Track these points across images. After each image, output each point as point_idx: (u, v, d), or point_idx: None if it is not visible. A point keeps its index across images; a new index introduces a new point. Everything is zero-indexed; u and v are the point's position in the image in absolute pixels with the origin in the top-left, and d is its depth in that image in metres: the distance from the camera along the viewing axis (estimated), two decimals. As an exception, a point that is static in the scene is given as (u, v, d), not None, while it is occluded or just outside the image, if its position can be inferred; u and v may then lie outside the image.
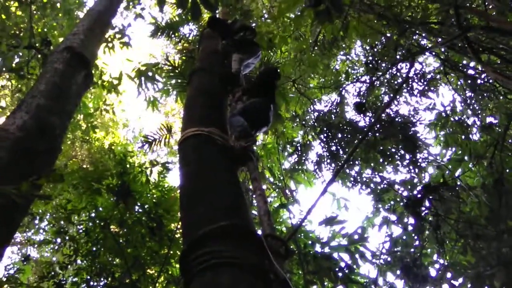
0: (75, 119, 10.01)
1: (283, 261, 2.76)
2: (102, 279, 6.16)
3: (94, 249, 6.24)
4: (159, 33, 9.32)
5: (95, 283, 6.20)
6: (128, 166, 6.32)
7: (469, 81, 7.80)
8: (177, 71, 7.90)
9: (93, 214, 6.22)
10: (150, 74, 8.38)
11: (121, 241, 6.13)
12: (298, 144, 9.08)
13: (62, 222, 6.44)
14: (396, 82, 8.47)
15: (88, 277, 6.09)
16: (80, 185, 6.23)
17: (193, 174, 3.37)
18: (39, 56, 7.60)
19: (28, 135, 3.07)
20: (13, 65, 7.58)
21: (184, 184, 3.39)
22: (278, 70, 5.26)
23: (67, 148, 11.90)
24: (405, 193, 6.99)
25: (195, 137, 3.68)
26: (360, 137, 7.06)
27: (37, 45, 7.74)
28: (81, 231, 6.41)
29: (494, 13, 5.50)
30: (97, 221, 6.20)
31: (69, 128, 10.11)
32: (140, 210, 6.26)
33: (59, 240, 6.67)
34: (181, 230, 5.63)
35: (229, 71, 4.98)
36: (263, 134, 9.39)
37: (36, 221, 9.22)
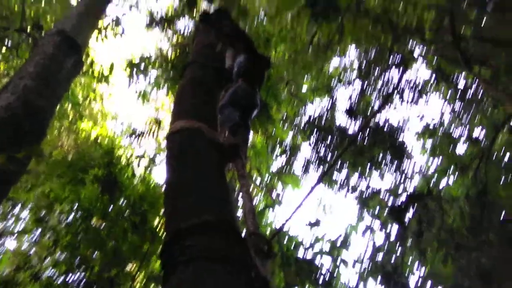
0: (63, 107, 9.84)
1: (265, 260, 2.73)
2: (80, 272, 6.05)
3: (75, 241, 6.12)
4: (154, 25, 9.23)
5: (73, 277, 6.09)
6: (115, 157, 6.23)
7: (459, 93, 7.89)
8: (170, 64, 7.83)
9: (76, 205, 6.10)
10: (142, 66, 8.28)
11: (102, 234, 6.03)
12: (287, 146, 9.07)
13: (43, 211, 6.30)
14: (387, 89, 8.53)
15: (66, 270, 5.98)
16: (65, 175, 6.10)
17: (179, 168, 3.32)
18: (30, 40, 7.46)
19: (12, 116, 2.98)
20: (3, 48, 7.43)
21: (170, 177, 3.34)
22: (269, 59, 5.20)
23: (53, 137, 11.67)
24: (390, 200, 7.03)
25: (184, 130, 3.62)
26: (349, 141, 7.08)
27: (28, 28, 7.59)
28: (62, 221, 6.28)
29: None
30: (80, 212, 6.09)
31: (56, 116, 9.94)
32: (124, 203, 6.17)
33: (39, 230, 6.53)
34: (164, 225, 5.56)
35: (223, 66, 4.93)
36: (252, 134, 9.36)
37: (16, 210, 9.03)
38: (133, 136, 6.48)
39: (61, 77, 3.89)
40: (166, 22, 9.22)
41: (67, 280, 5.94)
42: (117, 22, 9.45)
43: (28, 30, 7.63)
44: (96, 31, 9.19)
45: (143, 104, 9.41)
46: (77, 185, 5.95)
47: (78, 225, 5.98)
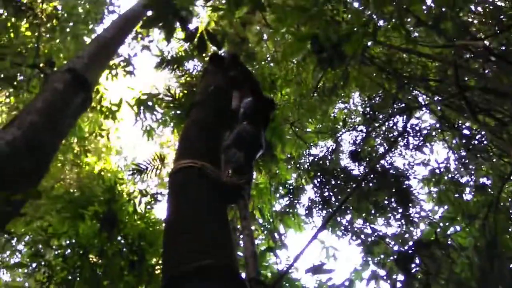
0: (68, 141, 9.92)
1: (266, 308, 2.62)
2: (74, 311, 5.83)
3: (70, 277, 5.94)
4: (163, 66, 9.47)
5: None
6: (117, 193, 6.18)
7: (464, 141, 7.89)
8: (177, 103, 7.95)
9: (73, 241, 5.98)
10: (150, 103, 8.42)
11: (98, 272, 5.86)
12: (291, 187, 8.99)
13: (40, 246, 6.17)
14: (392, 135, 8.56)
15: (59, 307, 5.76)
16: (65, 210, 6.03)
17: (180, 207, 3.28)
18: (41, 75, 7.65)
19: (15, 151, 2.99)
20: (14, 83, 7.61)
21: (170, 217, 3.29)
22: (274, 102, 5.29)
23: (56, 170, 11.69)
24: (395, 247, 6.84)
25: (187, 169, 3.61)
26: (354, 185, 7.01)
27: (41, 65, 7.80)
28: (58, 257, 6.13)
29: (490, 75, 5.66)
30: (76, 248, 5.95)
31: (61, 150, 10.01)
32: (123, 241, 6.04)
33: (34, 264, 6.36)
34: (162, 267, 5.40)
35: (229, 106, 5.00)
36: (255, 174, 9.31)
37: (13, 243, 8.87)
38: (136, 171, 6.45)
39: (69, 113, 3.94)
40: (176, 62, 9.47)
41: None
42: (128, 61, 9.73)
43: (41, 65, 7.84)
44: (107, 70, 9.45)
45: (148, 141, 9.50)
46: (76, 220, 5.86)
47: (74, 261, 5.83)
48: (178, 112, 7.81)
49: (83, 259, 5.78)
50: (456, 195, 7.58)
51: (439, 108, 7.83)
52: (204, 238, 2.87)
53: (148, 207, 6.75)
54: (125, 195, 6.52)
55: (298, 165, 9.38)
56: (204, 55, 8.89)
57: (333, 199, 8.17)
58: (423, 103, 7.60)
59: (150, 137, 9.19)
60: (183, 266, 2.45)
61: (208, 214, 3.16)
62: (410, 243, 6.21)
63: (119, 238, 5.94)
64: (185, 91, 8.48)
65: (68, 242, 6.05)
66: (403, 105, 7.42)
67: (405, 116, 7.85)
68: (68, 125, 3.90)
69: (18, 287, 6.32)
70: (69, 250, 6.13)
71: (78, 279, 5.89)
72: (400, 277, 5.97)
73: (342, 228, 7.94)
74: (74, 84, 4.18)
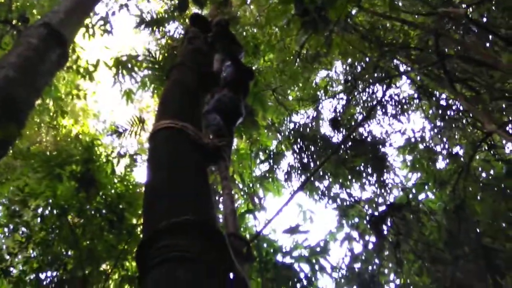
0: (44, 102, 9.63)
1: (244, 262, 2.71)
2: (53, 270, 5.89)
3: (48, 238, 5.96)
4: (143, 26, 9.17)
5: (45, 274, 5.92)
6: (94, 154, 6.11)
7: (440, 111, 8.09)
8: (157, 66, 7.77)
9: (50, 201, 5.94)
10: (129, 65, 8.20)
11: (77, 232, 5.88)
12: (271, 153, 9.10)
13: (16, 207, 6.12)
14: (371, 104, 8.69)
15: (38, 267, 5.81)
16: (41, 169, 5.95)
17: (161, 167, 3.28)
18: (14, 32, 7.30)
19: (-10, 105, 2.90)
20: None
21: (150, 176, 3.30)
22: (253, 72, 5.29)
23: (32, 132, 11.42)
24: (369, 211, 7.11)
25: (167, 129, 3.58)
26: (331, 151, 7.16)
27: (14, 21, 7.43)
28: (36, 217, 6.11)
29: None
30: (55, 209, 5.93)
31: (36, 111, 9.73)
32: (102, 202, 6.04)
33: (11, 226, 6.33)
34: (141, 227, 5.47)
35: (210, 70, 4.94)
36: (236, 139, 9.35)
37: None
38: (115, 132, 6.36)
39: (44, 69, 3.80)
40: (156, 24, 9.18)
41: (38, 277, 5.76)
42: (105, 20, 9.36)
43: (14, 22, 7.47)
44: (83, 28, 9.08)
45: (127, 104, 9.33)
46: (53, 180, 5.80)
47: (52, 221, 5.82)
48: (158, 73, 7.63)
49: (61, 219, 5.78)
50: (429, 163, 7.85)
51: (418, 78, 7.95)
52: (184, 196, 2.90)
53: (128, 170, 6.73)
54: (103, 156, 6.46)
55: (278, 132, 9.46)
56: (184, 16, 8.65)
57: (312, 165, 8.34)
58: (403, 72, 7.69)
59: (130, 100, 9.01)
60: (161, 223, 2.48)
61: (189, 173, 3.18)
62: (383, 207, 6.47)
63: (98, 198, 5.93)
64: (165, 54, 8.28)
65: (45, 202, 6.01)
66: (384, 73, 7.49)
67: (384, 85, 7.95)
68: (44, 82, 3.77)
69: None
70: (47, 211, 6.11)
71: (56, 239, 5.92)
72: (373, 239, 6.27)
73: (320, 192, 8.15)
74: (50, 39, 4.01)
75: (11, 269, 5.85)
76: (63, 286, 5.69)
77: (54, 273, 5.88)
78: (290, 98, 10.16)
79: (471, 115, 6.97)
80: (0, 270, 5.58)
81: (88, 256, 5.67)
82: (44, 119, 10.95)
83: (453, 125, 7.80)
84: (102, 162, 6.18)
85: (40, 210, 6.07)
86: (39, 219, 6.06)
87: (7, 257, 5.89)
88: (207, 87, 4.73)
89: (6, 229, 6.61)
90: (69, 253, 5.98)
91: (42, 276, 5.95)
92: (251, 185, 8.97)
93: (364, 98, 8.69)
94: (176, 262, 2.24)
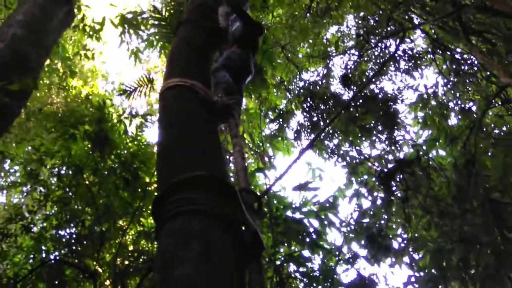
0: (53, 62, 9.61)
1: (255, 216, 2.78)
2: (71, 227, 6.13)
3: (66, 196, 6.16)
4: (147, -18, 8.90)
5: (65, 231, 6.17)
6: (106, 114, 6.17)
7: (454, 66, 7.88)
8: (163, 23, 7.61)
9: (66, 160, 6.08)
10: (135, 23, 8.05)
11: (93, 189, 6.06)
12: (281, 111, 9.06)
13: (33, 166, 6.29)
14: (383, 59, 8.48)
15: (57, 224, 6.05)
16: (55, 130, 6.05)
17: (172, 124, 3.31)
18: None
19: (1, 63, 2.90)
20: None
21: (162, 134, 3.33)
22: (262, 26, 5.15)
23: (43, 94, 11.49)
24: (378, 169, 7.14)
25: (177, 87, 3.57)
26: (341, 108, 7.10)
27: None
28: (53, 176, 6.29)
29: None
30: (70, 168, 6.09)
31: (45, 72, 9.73)
32: (116, 161, 6.17)
33: (29, 185, 6.54)
34: (155, 184, 5.61)
35: (217, 26, 4.83)
36: (245, 98, 9.29)
37: (6, 165, 8.98)
38: (124, 92, 6.36)
39: (52, 27, 3.76)
40: (161, -22, 8.90)
41: (58, 233, 6.02)
42: (110, -24, 9.08)
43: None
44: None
45: (135, 65, 9.25)
46: (67, 140, 5.91)
47: (69, 179, 5.99)
48: (165, 30, 7.48)
49: (77, 178, 5.94)
50: (442, 120, 7.76)
51: (433, 31, 7.68)
52: (196, 153, 2.95)
53: (139, 130, 6.80)
54: (115, 116, 6.52)
55: (288, 90, 9.36)
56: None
57: (322, 123, 8.30)
58: (417, 24, 7.42)
59: (137, 59, 8.93)
60: (177, 177, 2.54)
61: (200, 130, 3.21)
62: (393, 164, 6.48)
63: (112, 158, 6.05)
64: (172, 11, 8.07)
65: (61, 161, 6.16)
66: (397, 26, 7.24)
67: (398, 39, 7.71)
68: (52, 40, 3.74)
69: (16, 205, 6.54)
70: (63, 170, 6.27)
71: (73, 196, 6.12)
72: (381, 194, 6.34)
73: (329, 151, 8.18)
74: (56, -4, 3.94)
75: (32, 226, 6.11)
76: (82, 242, 5.96)
77: (73, 230, 6.13)
78: (300, 55, 9.96)
79: (485, 68, 6.78)
80: (22, 227, 5.82)
81: (105, 212, 5.88)
82: (54, 80, 10.98)
83: (467, 80, 7.62)
84: (114, 123, 6.25)
85: (56, 170, 6.22)
86: (55, 178, 6.23)
87: (27, 215, 6.13)
88: (216, 44, 4.65)
89: (24, 188, 6.86)
90: (87, 210, 6.19)
91: (62, 232, 6.23)
92: (260, 144, 9.02)
93: (376, 53, 8.48)
94: (190, 214, 2.32)
